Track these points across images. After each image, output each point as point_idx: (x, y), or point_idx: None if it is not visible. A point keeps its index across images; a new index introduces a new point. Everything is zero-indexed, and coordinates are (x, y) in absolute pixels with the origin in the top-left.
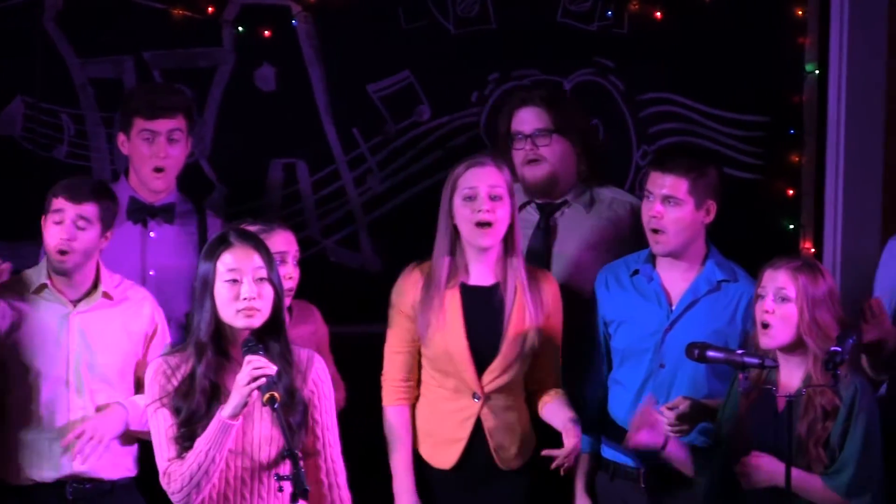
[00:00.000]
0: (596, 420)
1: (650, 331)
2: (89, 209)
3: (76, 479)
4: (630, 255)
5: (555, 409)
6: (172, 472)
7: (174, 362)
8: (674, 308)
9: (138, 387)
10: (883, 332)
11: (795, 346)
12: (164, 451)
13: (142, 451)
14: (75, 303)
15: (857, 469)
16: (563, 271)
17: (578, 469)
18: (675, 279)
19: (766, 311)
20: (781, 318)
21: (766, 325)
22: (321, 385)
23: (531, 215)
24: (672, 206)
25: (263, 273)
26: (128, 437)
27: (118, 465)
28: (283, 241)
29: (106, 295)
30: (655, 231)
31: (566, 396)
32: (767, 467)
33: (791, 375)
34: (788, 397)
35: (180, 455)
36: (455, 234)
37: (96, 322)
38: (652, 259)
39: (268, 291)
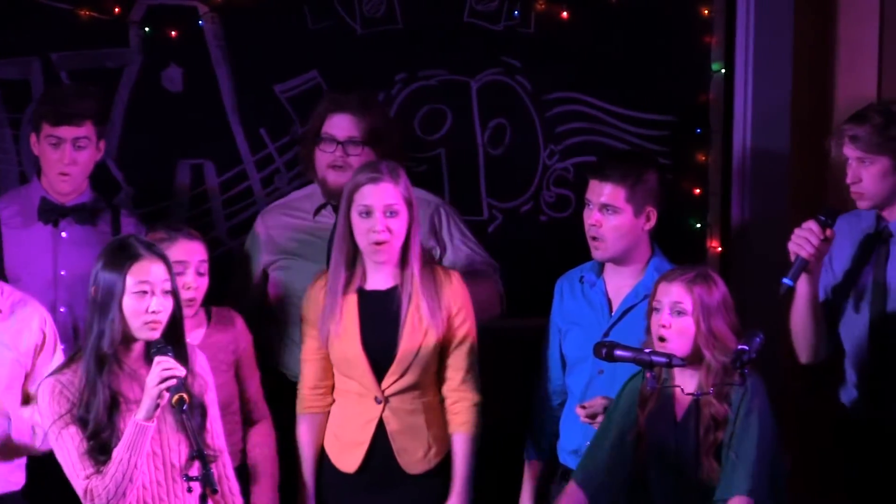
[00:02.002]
0: (544, 428)
1: (592, 337)
2: None
3: None
4: (587, 262)
5: (454, 460)
6: (94, 487)
7: (66, 379)
8: (612, 314)
9: (26, 399)
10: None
11: (691, 358)
12: (79, 470)
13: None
14: None
15: (756, 469)
16: None
17: (526, 475)
18: (620, 285)
19: (663, 326)
20: (678, 331)
21: (662, 339)
22: (206, 376)
23: (328, 218)
24: (610, 215)
25: (168, 286)
26: (9, 451)
27: (3, 479)
28: (183, 251)
29: None
30: (594, 238)
31: (474, 431)
32: None
33: (685, 385)
34: (692, 394)
35: (98, 469)
36: (353, 242)
37: None
38: (601, 266)
39: (170, 303)
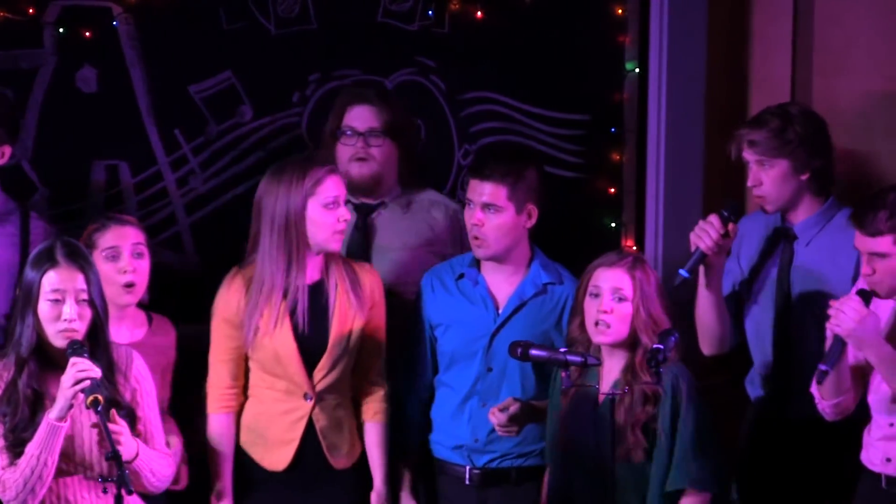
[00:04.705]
0: (419, 421)
1: (478, 334)
2: None
3: None
4: (455, 258)
5: (371, 450)
6: (6, 479)
7: None
8: (500, 311)
9: None
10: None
11: (626, 341)
12: None
13: None
14: None
15: (697, 459)
16: (382, 271)
17: (404, 468)
18: (501, 283)
19: (604, 311)
20: (619, 317)
21: (598, 323)
22: (143, 381)
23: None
24: (492, 213)
25: (85, 295)
26: None
27: None
28: (114, 237)
29: None
30: (476, 238)
31: (386, 419)
32: None
33: (612, 368)
34: (608, 394)
35: (12, 462)
36: (298, 235)
37: None
38: (477, 263)
39: (87, 312)
